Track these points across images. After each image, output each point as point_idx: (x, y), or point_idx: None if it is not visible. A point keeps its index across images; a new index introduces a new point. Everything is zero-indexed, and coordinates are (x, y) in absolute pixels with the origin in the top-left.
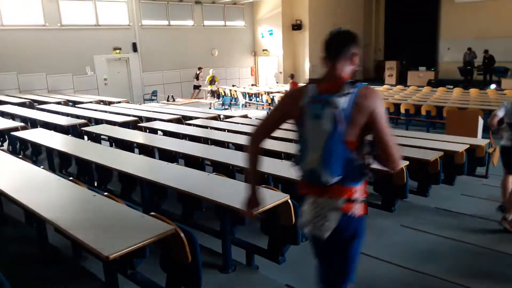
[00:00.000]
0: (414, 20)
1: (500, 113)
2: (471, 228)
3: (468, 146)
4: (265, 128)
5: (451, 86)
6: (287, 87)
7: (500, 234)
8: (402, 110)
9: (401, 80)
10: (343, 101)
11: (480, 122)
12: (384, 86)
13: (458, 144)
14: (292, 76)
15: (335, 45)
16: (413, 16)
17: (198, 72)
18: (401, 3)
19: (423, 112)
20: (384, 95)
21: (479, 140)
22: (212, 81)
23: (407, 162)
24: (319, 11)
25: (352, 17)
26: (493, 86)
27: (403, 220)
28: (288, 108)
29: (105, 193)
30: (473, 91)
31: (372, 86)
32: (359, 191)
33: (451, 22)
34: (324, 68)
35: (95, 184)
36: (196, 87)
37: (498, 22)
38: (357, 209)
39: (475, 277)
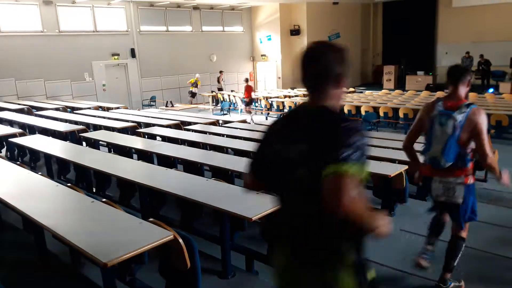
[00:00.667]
0: (412, 25)
1: None
2: (472, 232)
3: None
4: (412, 135)
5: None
6: (285, 92)
7: (501, 237)
8: (401, 115)
9: (400, 84)
10: (460, 117)
11: None
12: (383, 90)
13: None
14: (246, 80)
15: (457, 75)
16: (411, 21)
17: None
18: (399, 8)
19: None
20: (383, 100)
21: None
22: (194, 84)
23: (406, 167)
24: (317, 16)
25: (350, 22)
26: (491, 90)
27: (403, 224)
28: (424, 117)
29: (104, 199)
30: (471, 95)
31: (479, 108)
32: (469, 169)
33: (449, 26)
34: (449, 89)
35: (94, 190)
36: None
37: (496, 26)
38: (470, 180)
39: (476, 280)
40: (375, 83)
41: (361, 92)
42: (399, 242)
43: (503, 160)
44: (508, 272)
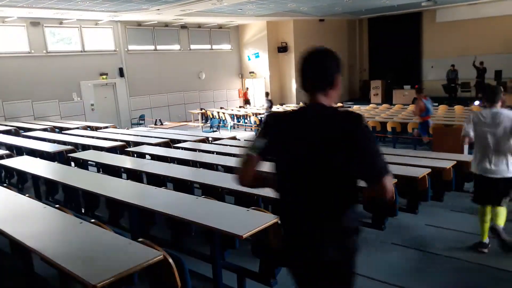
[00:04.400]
0: (397, 40)
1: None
2: (461, 243)
3: (455, 162)
4: None
5: (436, 104)
6: (275, 108)
7: (490, 249)
8: (389, 128)
9: (387, 99)
10: None
11: None
12: (370, 105)
13: (445, 160)
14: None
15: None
16: (396, 36)
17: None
18: (384, 24)
19: (410, 130)
20: (370, 114)
21: (466, 156)
22: None
23: (395, 180)
24: (303, 33)
25: (336, 39)
26: (477, 102)
27: (393, 237)
28: None
29: (92, 220)
30: (457, 108)
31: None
32: None
33: (433, 41)
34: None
35: (82, 211)
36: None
37: (478, 40)
38: None
39: None
40: (363, 98)
41: (349, 107)
42: (391, 256)
43: None
44: (496, 283)
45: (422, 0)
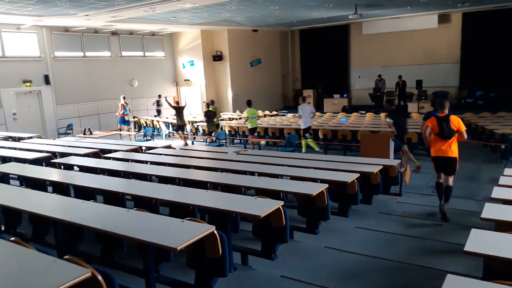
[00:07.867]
0: (327, 51)
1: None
2: (391, 244)
3: (381, 166)
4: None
5: (364, 112)
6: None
7: (418, 249)
8: (320, 135)
9: (318, 107)
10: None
11: (391, 144)
12: None
13: (372, 165)
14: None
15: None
16: (326, 47)
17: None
18: (314, 35)
19: (340, 137)
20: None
21: (392, 161)
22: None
23: (326, 185)
24: (238, 43)
25: (270, 49)
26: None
27: (327, 241)
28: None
29: (12, 238)
30: (383, 115)
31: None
32: None
33: (360, 52)
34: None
35: (2, 229)
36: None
37: (401, 52)
38: None
39: None
40: (296, 106)
41: (284, 115)
42: (324, 259)
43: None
44: (426, 281)
45: (349, 13)
